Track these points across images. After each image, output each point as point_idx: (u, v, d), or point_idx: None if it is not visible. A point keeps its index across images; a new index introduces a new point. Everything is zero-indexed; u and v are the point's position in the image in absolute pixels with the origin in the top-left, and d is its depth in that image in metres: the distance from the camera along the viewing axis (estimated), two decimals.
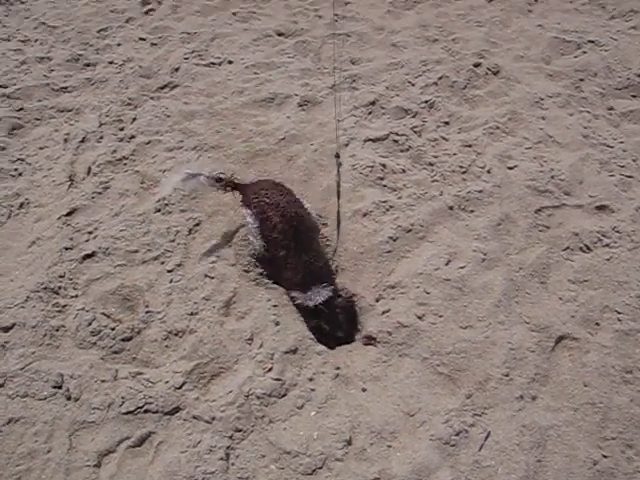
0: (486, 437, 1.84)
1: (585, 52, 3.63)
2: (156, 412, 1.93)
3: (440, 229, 2.55)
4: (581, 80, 3.40)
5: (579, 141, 2.97)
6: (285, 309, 2.26)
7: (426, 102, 3.24)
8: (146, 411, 1.93)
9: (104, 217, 2.61)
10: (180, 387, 1.99)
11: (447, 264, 2.39)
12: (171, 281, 2.35)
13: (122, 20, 4.12)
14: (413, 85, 3.40)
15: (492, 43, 3.76)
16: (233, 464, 1.81)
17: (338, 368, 2.07)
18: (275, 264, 2.30)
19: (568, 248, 2.47)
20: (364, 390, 2.02)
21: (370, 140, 3.00)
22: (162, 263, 2.42)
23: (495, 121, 3.11)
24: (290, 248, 2.23)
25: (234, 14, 4.13)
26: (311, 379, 2.03)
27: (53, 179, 2.84)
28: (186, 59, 3.66)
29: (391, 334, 2.16)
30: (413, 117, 3.17)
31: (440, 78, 3.41)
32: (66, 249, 2.46)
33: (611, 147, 2.94)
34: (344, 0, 4.29)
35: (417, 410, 1.94)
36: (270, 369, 2.04)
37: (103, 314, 2.22)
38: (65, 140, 3.09)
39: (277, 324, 2.17)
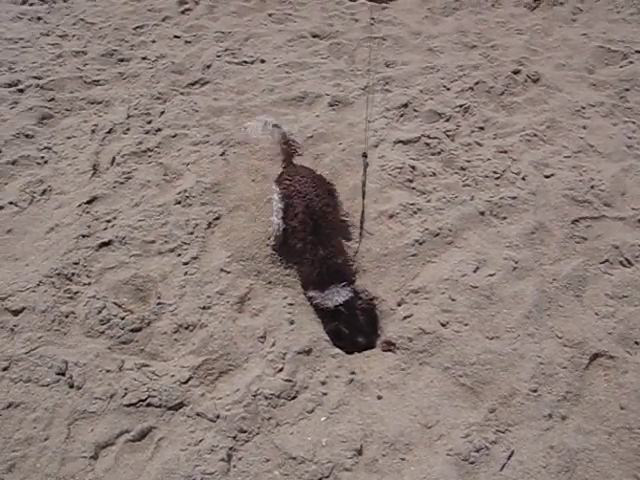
0: (509, 456, 1.69)
1: (632, 62, 3.45)
2: (159, 406, 1.84)
3: (469, 235, 2.42)
4: (626, 90, 3.23)
5: (622, 151, 2.80)
6: (301, 308, 2.15)
7: (461, 106, 3.12)
8: (149, 405, 1.84)
9: (124, 207, 2.57)
10: (186, 382, 1.90)
11: (475, 271, 2.25)
12: (186, 273, 2.27)
13: (158, 19, 4.15)
14: (448, 89, 3.29)
15: (532, 51, 3.62)
16: (235, 466, 1.71)
17: (353, 373, 1.95)
18: (293, 255, 2.21)
19: (607, 261, 2.30)
20: (379, 398, 1.89)
21: (401, 142, 2.89)
22: (178, 255, 2.36)
23: (533, 128, 2.97)
24: (307, 241, 2.13)
25: (270, 15, 4.11)
26: (324, 382, 1.91)
27: (77, 167, 2.82)
28: (219, 57, 3.64)
29: (412, 340, 2.03)
30: (447, 121, 3.05)
31: (477, 83, 3.29)
32: (83, 236, 2.42)
33: None
34: (381, 5, 4.22)
35: (435, 422, 1.80)
36: (281, 369, 1.94)
37: (114, 303, 2.16)
38: (93, 131, 3.08)
39: (292, 323, 2.07)
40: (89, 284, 2.24)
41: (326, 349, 2.02)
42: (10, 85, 3.42)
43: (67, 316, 2.12)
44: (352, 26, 3.96)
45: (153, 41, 3.89)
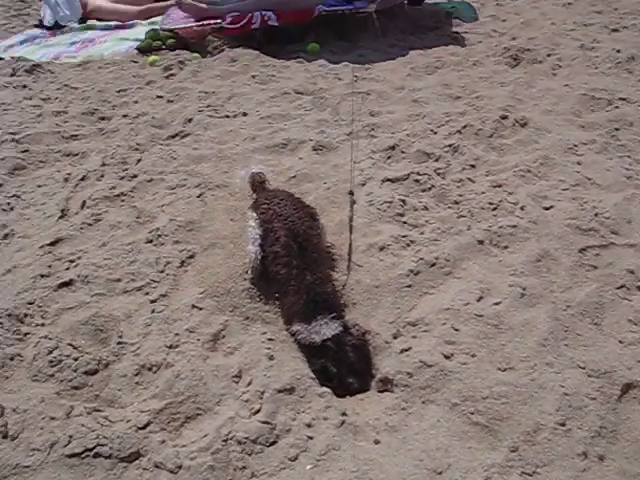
0: None
1: (617, 107, 3.42)
2: (109, 457, 1.51)
3: (469, 265, 2.20)
4: (617, 129, 3.17)
5: (622, 182, 2.67)
6: (283, 345, 1.88)
7: (450, 146, 3.02)
8: (96, 455, 1.51)
9: (90, 247, 2.35)
10: (144, 427, 1.59)
11: (479, 300, 2.00)
12: (153, 311, 2.01)
13: (142, 83, 4.17)
14: (435, 133, 3.22)
15: (518, 100, 3.61)
16: None
17: (344, 414, 1.64)
18: (275, 285, 1.97)
19: (623, 287, 2.06)
20: (377, 442, 1.57)
21: (389, 180, 2.75)
22: (146, 294, 2.11)
23: (526, 165, 2.85)
24: (293, 266, 1.89)
25: (253, 77, 4.14)
26: (309, 425, 1.60)
27: (44, 212, 2.64)
28: (200, 111, 3.60)
29: (412, 376, 1.74)
30: (436, 161, 2.94)
31: (464, 127, 3.22)
32: (42, 276, 2.18)
33: None
34: (364, 67, 4.29)
35: (446, 467, 1.47)
36: (258, 410, 1.63)
37: (69, 345, 1.88)
38: (65, 179, 2.93)
39: (271, 358, 1.78)
40: (42, 325, 1.97)
41: (311, 387, 1.72)
42: None
43: (12, 359, 1.82)
44: (335, 83, 3.98)
45: (135, 102, 3.87)
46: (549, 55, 4.34)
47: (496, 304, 1.98)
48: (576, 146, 3.03)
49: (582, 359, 1.78)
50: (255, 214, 2.09)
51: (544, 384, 1.67)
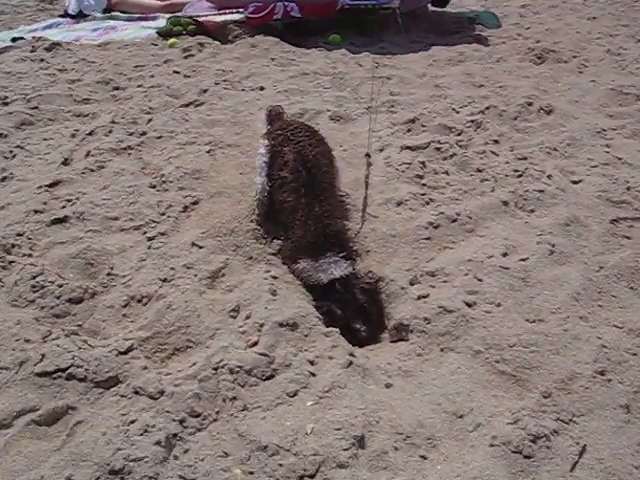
0: (581, 452, 1.15)
1: None
2: (83, 380, 1.33)
3: (492, 225, 2.02)
4: None
5: None
6: (287, 284, 1.70)
7: (472, 122, 2.88)
8: (70, 377, 1.33)
9: (90, 190, 2.21)
10: (125, 352, 1.41)
11: (504, 255, 1.83)
12: (149, 247, 1.86)
13: (160, 61, 4.10)
14: (457, 112, 3.08)
15: (542, 91, 3.47)
16: (176, 457, 1.16)
17: (352, 355, 1.46)
18: (281, 217, 1.80)
19: None
20: (389, 386, 1.38)
21: (408, 148, 2.60)
22: (144, 233, 1.96)
23: (552, 144, 2.69)
24: (300, 194, 1.73)
25: (272, 59, 4.06)
26: (312, 362, 1.41)
27: (47, 160, 2.51)
28: (217, 84, 3.50)
29: (430, 322, 1.56)
30: (458, 134, 2.79)
31: (487, 108, 3.08)
32: (35, 212, 2.04)
33: None
34: (386, 57, 4.20)
35: (468, 411, 1.28)
36: (255, 343, 1.45)
37: (56, 274, 1.72)
38: (72, 135, 2.82)
39: (273, 294, 1.61)
40: (30, 256, 1.82)
41: (317, 326, 1.53)
42: None
43: None
44: (356, 69, 3.88)
45: (152, 76, 3.78)
46: (575, 57, 4.22)
47: (523, 260, 1.80)
48: (605, 130, 2.87)
49: (619, 319, 1.59)
50: (266, 141, 1.94)
51: (579, 335, 1.48)
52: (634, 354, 1.43)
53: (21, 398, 1.28)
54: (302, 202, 1.73)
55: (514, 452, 1.14)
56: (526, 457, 1.14)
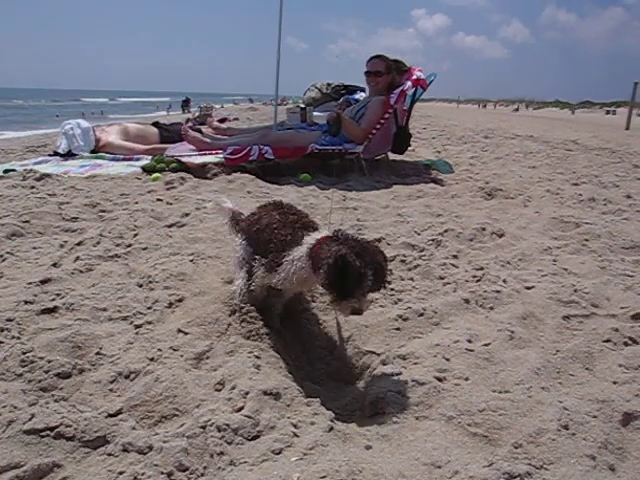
0: None
1: (585, 226, 3.72)
2: (71, 439, 1.35)
3: (456, 319, 2.21)
4: (586, 240, 3.41)
5: (597, 271, 2.81)
6: (270, 360, 1.80)
7: (433, 240, 3.20)
8: (58, 435, 1.36)
9: (78, 287, 2.33)
10: (115, 415, 1.45)
11: (469, 341, 1.99)
12: (137, 333, 1.95)
13: (144, 191, 4.45)
14: (419, 234, 3.42)
15: (494, 219, 3.91)
16: None
17: (332, 421, 1.53)
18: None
19: (610, 341, 2.07)
20: (369, 448, 1.45)
21: None
22: (131, 323, 2.05)
23: (505, 258, 3.01)
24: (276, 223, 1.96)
25: (249, 192, 4.45)
26: (295, 426, 1.47)
27: (37, 263, 2.64)
28: (197, 209, 3.80)
29: (403, 395, 1.66)
30: (420, 251, 3.08)
31: (446, 231, 3.44)
32: (25, 302, 2.12)
33: (631, 276, 2.75)
34: (352, 193, 4.66)
35: (446, 462, 1.34)
36: (241, 408, 1.51)
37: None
38: (61, 246, 2.98)
39: (257, 368, 1.70)
40: (18, 338, 1.87)
41: (298, 397, 1.61)
42: None
43: None
44: (325, 201, 4.29)
45: (136, 202, 4.08)
46: (520, 194, 4.81)
47: (486, 345, 1.96)
48: (551, 249, 3.23)
49: (578, 393, 1.73)
50: (239, 235, 2.20)
51: (542, 400, 1.60)
52: (594, 416, 1.55)
53: (6, 454, 1.28)
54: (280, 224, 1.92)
55: None
56: None
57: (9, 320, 1.96)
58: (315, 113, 6.34)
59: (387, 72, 5.47)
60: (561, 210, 4.20)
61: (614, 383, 1.81)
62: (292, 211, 2.05)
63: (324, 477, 1.25)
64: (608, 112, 39.63)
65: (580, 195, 4.72)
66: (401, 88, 5.33)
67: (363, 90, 7.42)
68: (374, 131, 5.36)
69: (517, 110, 49.13)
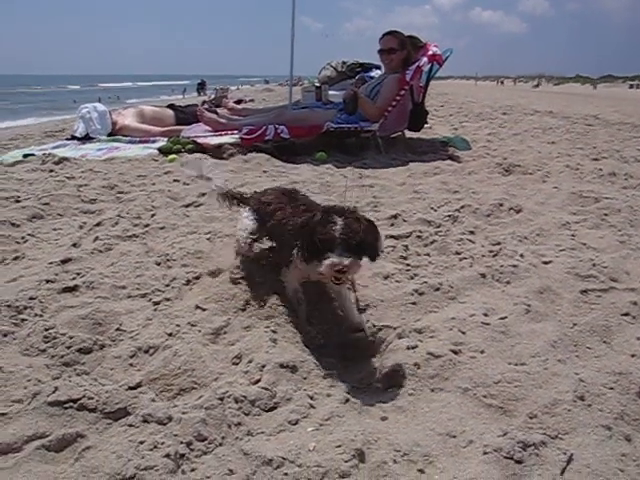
0: (569, 459, 1.23)
1: (604, 201, 3.65)
2: (93, 410, 1.39)
3: (472, 293, 2.20)
4: (606, 215, 3.35)
5: (616, 245, 2.76)
6: (287, 334, 1.82)
7: (449, 216, 3.18)
8: (81, 407, 1.40)
9: (98, 266, 2.37)
10: (135, 387, 1.48)
11: (485, 315, 1.98)
12: (155, 310, 1.98)
13: (161, 172, 4.48)
14: (435, 210, 3.39)
15: (512, 195, 3.85)
16: (184, 472, 1.21)
17: (349, 393, 1.55)
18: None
19: (628, 314, 2.05)
20: (384, 419, 1.46)
21: (392, 237, 2.85)
22: (150, 300, 2.09)
23: (523, 233, 2.97)
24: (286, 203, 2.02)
25: (265, 172, 4.46)
26: (312, 397, 1.50)
27: (57, 243, 2.69)
28: (214, 189, 3.80)
29: (420, 367, 1.66)
30: (437, 227, 3.06)
31: (462, 207, 3.41)
32: (47, 281, 2.17)
33: None
34: (368, 170, 4.64)
35: (461, 432, 1.35)
36: (258, 380, 1.53)
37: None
38: (80, 227, 3.03)
39: (274, 342, 1.72)
40: (41, 316, 1.92)
41: (315, 370, 1.63)
42: (7, 199, 3.48)
43: (5, 335, 1.75)
44: (341, 179, 4.27)
45: (153, 183, 4.12)
46: (538, 170, 4.73)
47: (502, 318, 1.95)
48: (569, 223, 3.18)
49: (595, 365, 1.72)
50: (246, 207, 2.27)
51: (558, 372, 1.59)
52: (611, 388, 1.54)
53: (32, 425, 1.33)
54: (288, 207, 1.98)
55: (506, 457, 1.21)
56: (517, 462, 1.21)
57: (32, 299, 2.01)
58: (330, 92, 6.29)
59: (401, 48, 5.37)
60: (580, 185, 4.12)
61: (632, 356, 1.79)
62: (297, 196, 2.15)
63: (340, 446, 1.27)
64: (632, 86, 38.55)
65: (600, 170, 4.62)
66: (417, 64, 5.25)
67: (379, 67, 7.30)
68: (390, 109, 5.30)
69: (537, 86, 48.04)
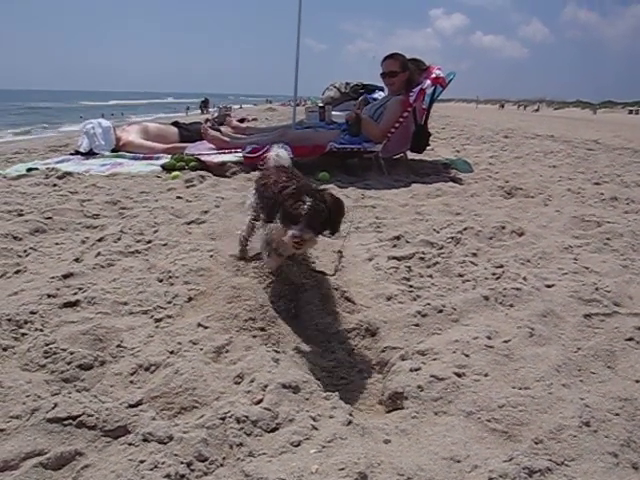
0: None
1: (606, 225, 3.66)
2: (93, 428, 1.38)
3: (475, 316, 2.19)
4: (608, 239, 3.35)
5: (619, 270, 2.76)
6: (289, 356, 1.80)
7: (452, 238, 3.18)
8: (80, 424, 1.38)
9: (100, 281, 2.36)
10: (135, 405, 1.47)
11: (488, 338, 1.97)
12: (157, 327, 1.97)
13: (164, 189, 4.50)
14: (438, 232, 3.39)
15: (514, 218, 3.86)
16: None
17: (351, 415, 1.53)
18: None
19: (632, 339, 2.04)
20: (387, 442, 1.44)
21: (395, 258, 2.84)
22: (151, 317, 2.07)
23: (525, 257, 2.97)
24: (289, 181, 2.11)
25: None
26: (314, 419, 1.48)
27: (59, 258, 2.69)
28: (217, 207, 3.82)
29: (423, 389, 1.65)
30: (440, 249, 3.06)
31: (465, 229, 3.41)
32: (48, 296, 2.16)
33: None
34: (370, 191, 4.65)
35: (465, 457, 1.33)
36: (260, 400, 1.52)
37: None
38: (83, 242, 3.03)
39: (276, 361, 1.70)
40: (41, 331, 1.91)
41: (317, 391, 1.61)
42: (10, 212, 3.49)
43: (5, 349, 1.74)
44: (344, 199, 4.25)
45: (156, 200, 4.13)
46: (540, 193, 4.75)
47: (505, 341, 1.94)
48: (572, 247, 3.18)
49: (600, 391, 1.70)
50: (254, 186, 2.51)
51: (563, 397, 1.58)
52: (617, 414, 1.53)
53: (30, 442, 1.31)
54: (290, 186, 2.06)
55: None
56: None
57: (32, 313, 2.00)
58: (334, 112, 6.34)
59: (402, 70, 5.44)
60: (582, 209, 4.14)
61: (637, 382, 1.78)
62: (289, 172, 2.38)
63: (343, 469, 1.25)
64: (631, 112, 38.96)
65: (602, 194, 4.65)
66: (420, 87, 5.31)
67: (382, 89, 7.38)
68: (393, 130, 5.34)
69: (537, 110, 48.57)
